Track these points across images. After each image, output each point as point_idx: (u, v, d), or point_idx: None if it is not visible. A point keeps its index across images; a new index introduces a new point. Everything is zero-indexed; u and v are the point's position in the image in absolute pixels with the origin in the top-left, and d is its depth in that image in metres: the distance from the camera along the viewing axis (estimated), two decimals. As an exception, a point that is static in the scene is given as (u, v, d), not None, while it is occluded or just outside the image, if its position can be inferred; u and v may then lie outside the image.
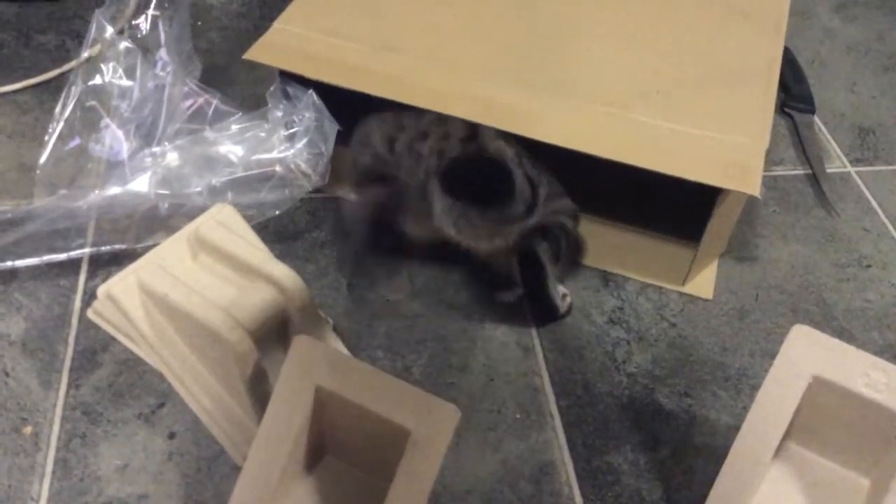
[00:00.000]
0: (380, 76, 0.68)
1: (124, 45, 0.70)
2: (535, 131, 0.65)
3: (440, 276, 0.72)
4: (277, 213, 0.67)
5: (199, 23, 0.94)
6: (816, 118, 0.91)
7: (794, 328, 0.53)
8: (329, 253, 0.72)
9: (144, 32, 0.72)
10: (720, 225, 0.69)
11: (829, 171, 0.85)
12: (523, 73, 0.70)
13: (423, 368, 0.65)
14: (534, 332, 0.69)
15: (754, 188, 0.62)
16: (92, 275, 0.68)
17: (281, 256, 0.61)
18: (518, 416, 0.63)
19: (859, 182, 0.85)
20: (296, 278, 0.56)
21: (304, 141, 0.67)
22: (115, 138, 0.67)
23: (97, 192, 0.65)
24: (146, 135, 0.68)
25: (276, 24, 0.72)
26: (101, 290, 0.57)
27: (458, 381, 0.65)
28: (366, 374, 0.51)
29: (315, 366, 0.51)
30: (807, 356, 0.53)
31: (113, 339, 0.64)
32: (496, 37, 0.74)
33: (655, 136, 0.66)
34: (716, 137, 0.66)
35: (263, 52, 0.69)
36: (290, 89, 0.66)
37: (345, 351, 0.64)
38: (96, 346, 0.64)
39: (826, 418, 0.55)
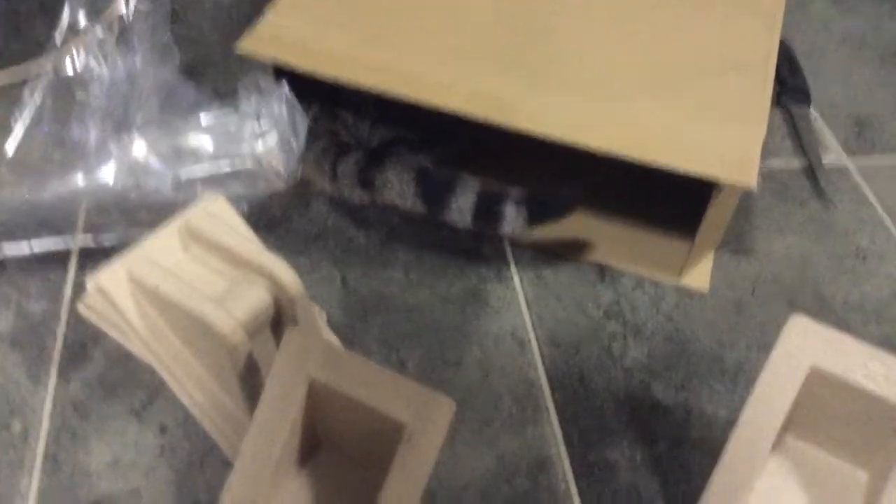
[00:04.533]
0: (373, 68, 0.67)
1: (97, 32, 0.69)
2: (527, 123, 0.64)
3: (435, 269, 0.71)
4: (246, 207, 0.66)
5: (189, 13, 0.93)
6: (812, 110, 0.91)
7: (792, 318, 0.53)
8: (322, 245, 0.71)
9: (127, 21, 0.71)
10: (716, 217, 0.69)
11: (825, 162, 0.85)
12: (516, 64, 0.69)
13: (418, 362, 0.64)
14: (529, 326, 0.68)
15: (751, 181, 0.62)
16: (81, 268, 0.68)
17: (273, 249, 0.60)
18: (514, 410, 0.62)
19: (856, 174, 0.84)
20: (289, 270, 0.55)
21: (275, 135, 0.66)
22: (82, 127, 0.66)
23: (59, 181, 0.64)
24: (115, 124, 0.67)
25: (268, 15, 0.72)
26: (90, 282, 0.56)
27: (453, 375, 0.64)
28: (360, 367, 0.50)
29: (308, 358, 0.50)
30: (804, 347, 0.52)
31: (103, 333, 0.63)
32: (490, 27, 0.73)
33: (649, 127, 0.65)
34: (711, 129, 0.65)
35: (254, 44, 0.68)
36: (262, 82, 0.66)
37: (338, 344, 0.64)
38: (86, 341, 0.63)
39: (824, 410, 0.54)
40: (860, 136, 0.89)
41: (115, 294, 0.56)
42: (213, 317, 0.52)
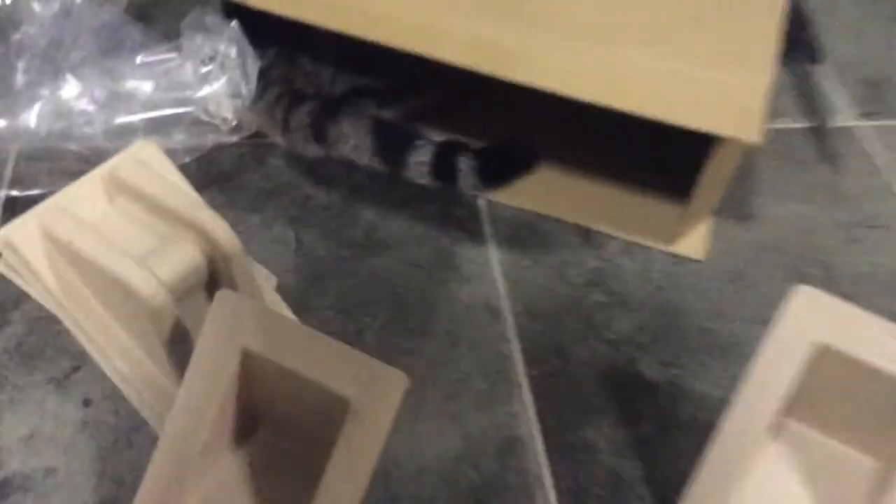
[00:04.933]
0: (343, 8, 0.60)
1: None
2: (515, 72, 0.58)
3: (401, 230, 0.65)
4: (191, 160, 0.60)
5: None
6: (821, 68, 0.85)
7: (797, 288, 0.48)
8: (277, 203, 0.65)
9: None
10: (715, 177, 0.63)
11: (833, 124, 0.79)
12: (505, 7, 0.63)
13: (378, 332, 0.59)
14: (504, 293, 0.62)
15: (755, 135, 0.56)
16: (5, 223, 0.61)
17: (222, 206, 0.56)
18: (483, 386, 0.57)
19: (866, 137, 0.78)
20: (223, 226, 0.49)
21: (223, 79, 0.60)
22: (9, 66, 0.60)
23: None
24: (47, 64, 0.60)
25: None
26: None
27: (416, 346, 0.59)
28: (299, 335, 0.45)
29: (241, 324, 0.45)
30: (810, 320, 0.47)
31: (26, 293, 0.57)
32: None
33: (644, 76, 0.60)
34: (713, 78, 0.59)
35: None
36: (209, 20, 0.59)
37: (287, 311, 0.57)
38: (7, 302, 0.57)
39: (831, 391, 0.49)
40: (871, 97, 0.83)
41: (25, 250, 0.49)
42: (132, 276, 0.46)
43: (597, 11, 0.64)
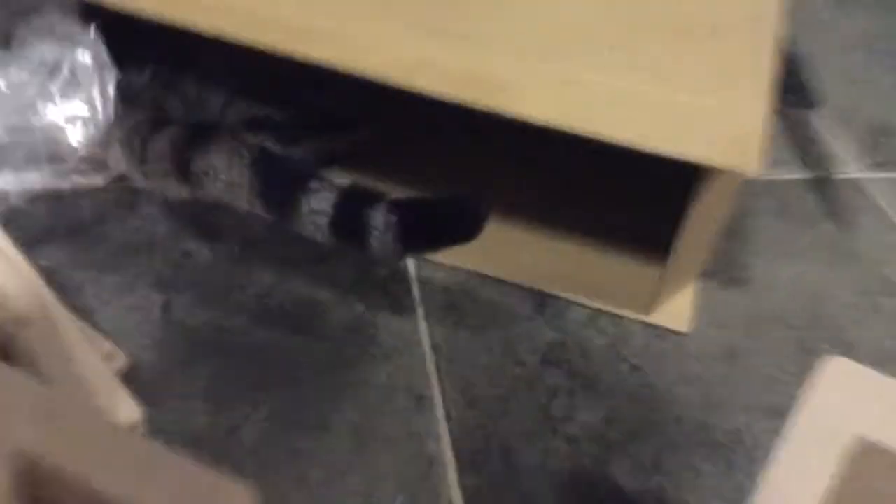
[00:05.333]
0: (237, 12, 0.48)
1: None
2: (464, 93, 0.47)
3: (305, 294, 0.53)
4: (25, 203, 0.48)
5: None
6: (818, 115, 0.76)
7: (826, 361, 0.36)
8: (145, 260, 0.52)
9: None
10: (702, 227, 0.52)
11: (839, 176, 0.70)
12: (444, 21, 0.52)
13: (260, 427, 0.46)
14: (434, 375, 0.50)
15: (752, 166, 0.46)
16: None
17: (67, 263, 0.44)
18: (401, 500, 0.44)
19: (877, 190, 0.69)
20: (22, 284, 0.36)
21: (74, 99, 0.48)
22: None
23: None
24: None
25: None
26: None
27: (313, 446, 0.45)
28: (106, 435, 0.33)
29: (18, 418, 0.32)
30: (846, 404, 0.35)
31: None
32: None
33: (612, 99, 0.50)
34: (698, 99, 0.50)
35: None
36: (59, 23, 0.48)
37: (129, 401, 0.43)
38: None
39: (877, 499, 0.36)
40: (878, 146, 0.74)
41: None
42: None
43: (550, 25, 0.53)
